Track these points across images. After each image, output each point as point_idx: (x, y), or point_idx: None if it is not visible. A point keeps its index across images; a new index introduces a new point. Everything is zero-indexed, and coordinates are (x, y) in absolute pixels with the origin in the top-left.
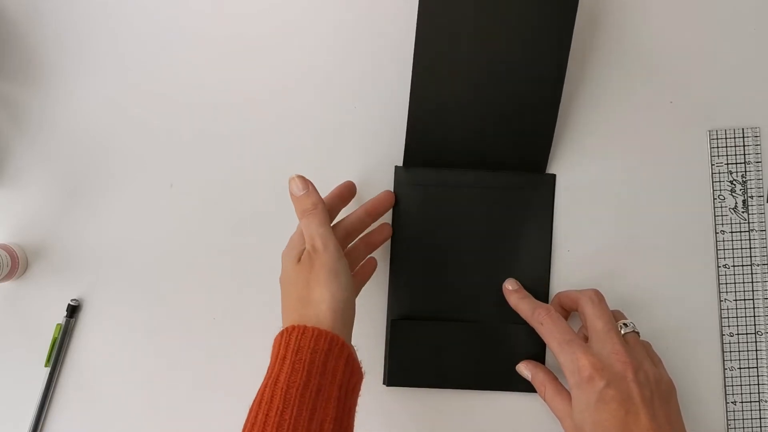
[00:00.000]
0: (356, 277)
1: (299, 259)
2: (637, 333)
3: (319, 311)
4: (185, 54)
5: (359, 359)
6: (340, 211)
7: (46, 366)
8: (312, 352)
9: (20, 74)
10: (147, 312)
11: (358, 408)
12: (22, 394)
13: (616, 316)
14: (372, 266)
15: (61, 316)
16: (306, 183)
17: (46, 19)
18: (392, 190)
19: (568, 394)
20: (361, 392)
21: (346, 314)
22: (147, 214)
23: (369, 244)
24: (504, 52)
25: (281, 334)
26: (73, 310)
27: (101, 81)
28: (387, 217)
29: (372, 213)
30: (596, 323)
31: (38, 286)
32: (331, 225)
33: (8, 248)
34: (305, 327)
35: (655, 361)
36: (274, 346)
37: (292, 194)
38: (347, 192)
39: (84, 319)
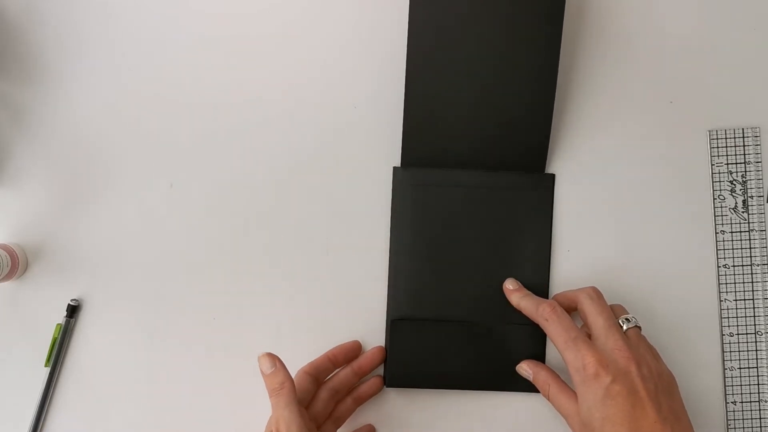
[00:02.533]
0: None
1: None
2: (639, 327)
3: None
4: (185, 54)
5: None
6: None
7: (46, 366)
8: None
9: (20, 74)
10: (147, 312)
11: (358, 409)
12: (22, 394)
13: (617, 311)
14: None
15: (61, 316)
16: (273, 360)
17: (45, 18)
18: (391, 190)
19: (572, 391)
20: None
21: None
22: (147, 214)
23: (357, 399)
24: (495, 51)
25: None
26: (73, 310)
27: (101, 81)
28: (385, 228)
29: (359, 372)
30: (597, 320)
31: (38, 286)
32: (322, 384)
33: (8, 248)
34: None
35: (655, 354)
36: None
37: (261, 372)
38: (342, 355)
39: (84, 319)
